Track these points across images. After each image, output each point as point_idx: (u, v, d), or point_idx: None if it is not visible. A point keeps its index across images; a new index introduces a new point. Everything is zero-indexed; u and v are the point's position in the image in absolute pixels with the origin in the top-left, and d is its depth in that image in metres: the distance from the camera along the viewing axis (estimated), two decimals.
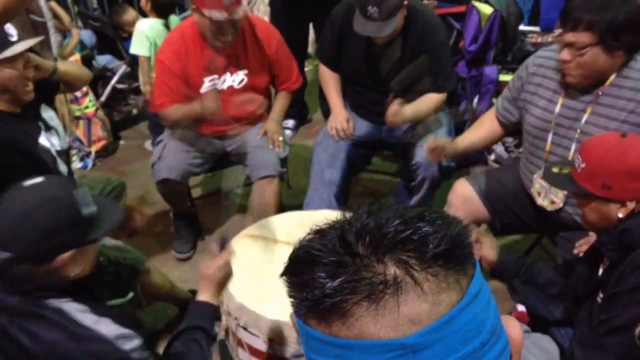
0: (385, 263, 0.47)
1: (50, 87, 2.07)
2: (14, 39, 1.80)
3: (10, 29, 1.81)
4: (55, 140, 2.01)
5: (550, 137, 1.93)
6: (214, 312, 1.52)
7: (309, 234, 0.54)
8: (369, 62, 2.51)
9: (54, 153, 1.98)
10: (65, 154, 2.07)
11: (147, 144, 3.78)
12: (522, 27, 3.38)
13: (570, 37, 1.73)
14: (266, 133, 2.61)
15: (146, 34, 3.17)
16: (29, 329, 1.22)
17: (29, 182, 1.34)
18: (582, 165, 1.46)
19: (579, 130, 1.85)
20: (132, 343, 1.30)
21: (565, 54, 1.77)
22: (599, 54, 1.72)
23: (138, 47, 3.20)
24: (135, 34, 3.22)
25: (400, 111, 2.36)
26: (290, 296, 0.52)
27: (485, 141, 2.29)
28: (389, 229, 0.49)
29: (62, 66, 2.10)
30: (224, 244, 1.59)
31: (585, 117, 1.84)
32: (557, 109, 1.90)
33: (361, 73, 2.56)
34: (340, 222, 0.52)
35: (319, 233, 0.53)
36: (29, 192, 1.32)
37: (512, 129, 2.20)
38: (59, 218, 1.29)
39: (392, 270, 0.47)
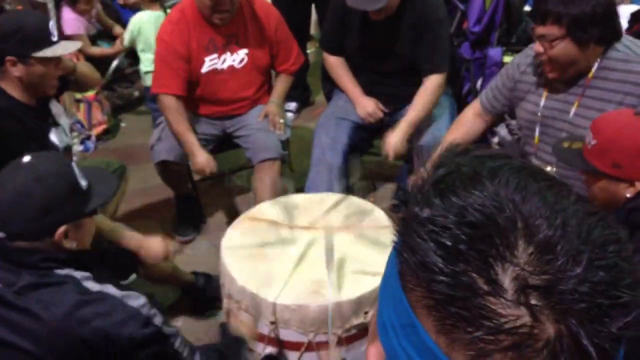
0: (557, 324, 0.40)
1: (63, 84, 2.08)
2: (55, 39, 1.80)
3: (54, 29, 1.81)
4: (62, 137, 2.03)
5: (537, 129, 1.98)
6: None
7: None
8: (369, 43, 2.48)
9: (61, 150, 1.99)
10: (69, 152, 2.07)
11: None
12: (527, 8, 3.33)
13: (540, 30, 1.78)
14: (267, 116, 2.59)
15: (130, 28, 3.28)
16: (40, 298, 1.23)
17: (26, 159, 1.34)
18: (593, 142, 1.44)
19: (567, 123, 1.88)
20: (139, 300, 1.31)
21: (538, 47, 1.82)
22: (569, 46, 1.75)
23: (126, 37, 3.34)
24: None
25: (400, 144, 2.38)
26: (408, 273, 0.44)
27: (465, 140, 2.30)
28: (580, 287, 0.39)
29: (80, 67, 2.14)
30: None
31: (573, 110, 1.87)
32: (542, 102, 1.95)
33: (361, 54, 2.53)
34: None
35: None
36: (27, 168, 1.32)
37: (493, 122, 2.23)
38: (58, 192, 1.30)
39: (559, 332, 0.40)
